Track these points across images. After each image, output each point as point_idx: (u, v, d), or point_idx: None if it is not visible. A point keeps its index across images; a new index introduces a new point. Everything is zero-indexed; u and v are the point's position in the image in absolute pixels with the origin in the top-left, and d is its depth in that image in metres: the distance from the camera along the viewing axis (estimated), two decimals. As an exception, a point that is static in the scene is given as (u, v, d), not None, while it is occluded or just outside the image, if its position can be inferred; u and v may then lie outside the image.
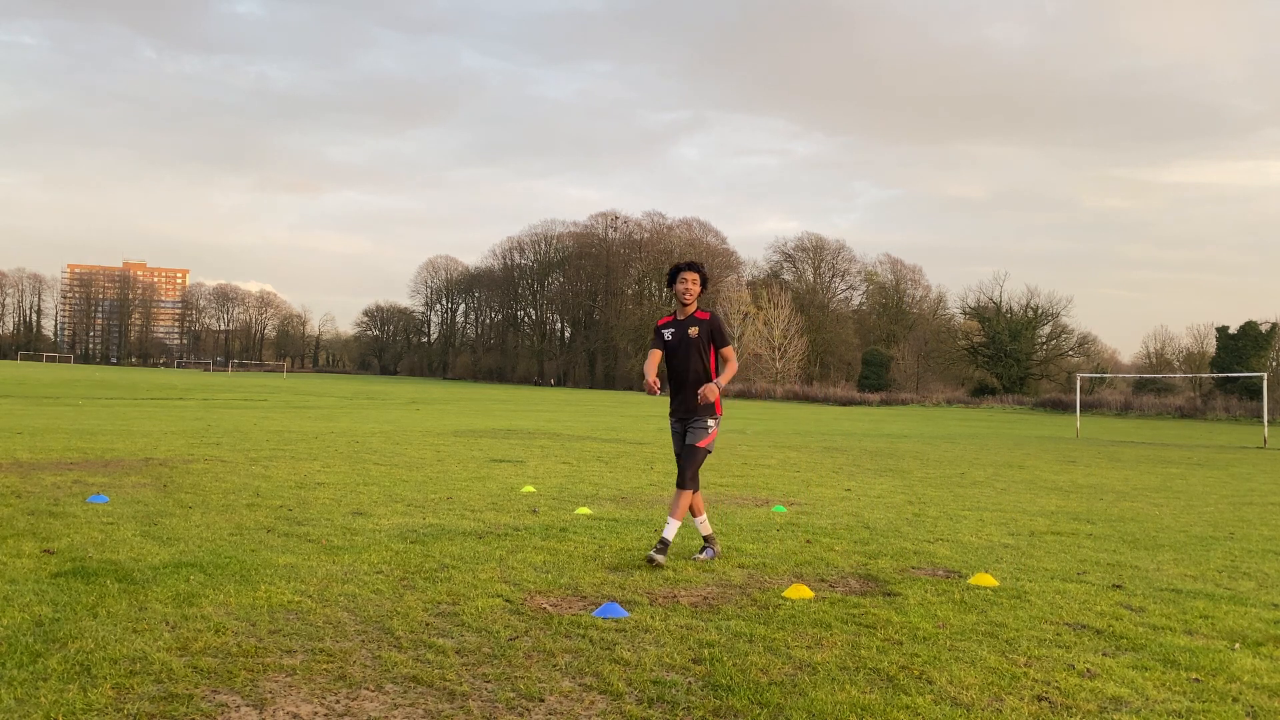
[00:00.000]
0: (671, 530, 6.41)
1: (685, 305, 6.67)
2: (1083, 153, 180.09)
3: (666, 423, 31.46)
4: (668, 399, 6.94)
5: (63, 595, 4.97)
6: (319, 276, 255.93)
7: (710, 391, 6.35)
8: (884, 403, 66.75)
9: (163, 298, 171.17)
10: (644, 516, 8.57)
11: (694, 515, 6.74)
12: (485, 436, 18.93)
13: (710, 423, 6.58)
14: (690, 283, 6.62)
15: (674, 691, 3.85)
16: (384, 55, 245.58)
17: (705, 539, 6.77)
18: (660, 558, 6.27)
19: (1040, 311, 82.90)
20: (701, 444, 6.55)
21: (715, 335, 6.66)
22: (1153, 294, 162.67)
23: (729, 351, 6.67)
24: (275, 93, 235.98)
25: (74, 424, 18.20)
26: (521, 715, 3.58)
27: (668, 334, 6.74)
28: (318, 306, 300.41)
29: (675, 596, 5.50)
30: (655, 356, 6.83)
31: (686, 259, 6.82)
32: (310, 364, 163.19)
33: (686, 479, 6.49)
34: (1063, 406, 59.07)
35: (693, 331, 6.63)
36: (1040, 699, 3.92)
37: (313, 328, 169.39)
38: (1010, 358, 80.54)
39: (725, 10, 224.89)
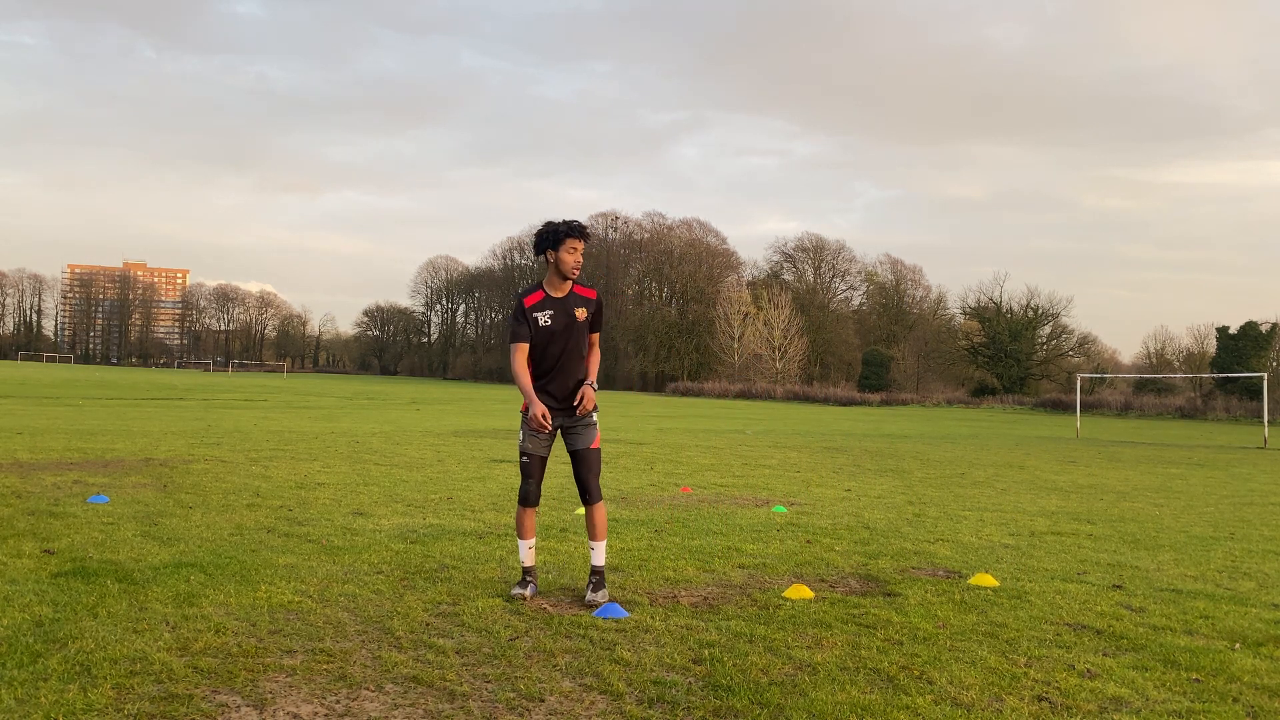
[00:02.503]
0: (600, 555, 5.42)
1: (566, 280, 5.39)
2: (1083, 153, 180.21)
3: (667, 422, 31.05)
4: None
5: (63, 595, 4.98)
6: (319, 276, 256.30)
7: (589, 399, 5.34)
8: (884, 403, 66.73)
9: (163, 298, 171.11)
10: (644, 516, 8.57)
11: (524, 537, 5.47)
12: (486, 436, 18.93)
13: (595, 417, 5.51)
14: (581, 254, 5.32)
15: (674, 692, 3.85)
16: (384, 55, 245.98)
17: (528, 571, 5.49)
18: (599, 595, 5.26)
19: (1040, 312, 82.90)
20: (597, 445, 5.48)
21: (597, 321, 5.51)
22: (1153, 294, 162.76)
23: (597, 338, 5.57)
24: (275, 93, 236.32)
25: (74, 424, 18.20)
26: (522, 715, 3.58)
27: (544, 317, 5.34)
28: (318, 307, 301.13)
29: (675, 597, 5.50)
30: (525, 360, 5.37)
31: (568, 220, 5.34)
32: (310, 364, 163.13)
33: (597, 490, 5.42)
34: (1063, 406, 59.07)
35: (580, 314, 5.40)
36: (1040, 699, 3.92)
37: (313, 328, 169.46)
38: (1010, 358, 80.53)
39: (725, 10, 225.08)
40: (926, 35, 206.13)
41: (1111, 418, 52.64)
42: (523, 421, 5.44)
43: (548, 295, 5.39)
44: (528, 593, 5.36)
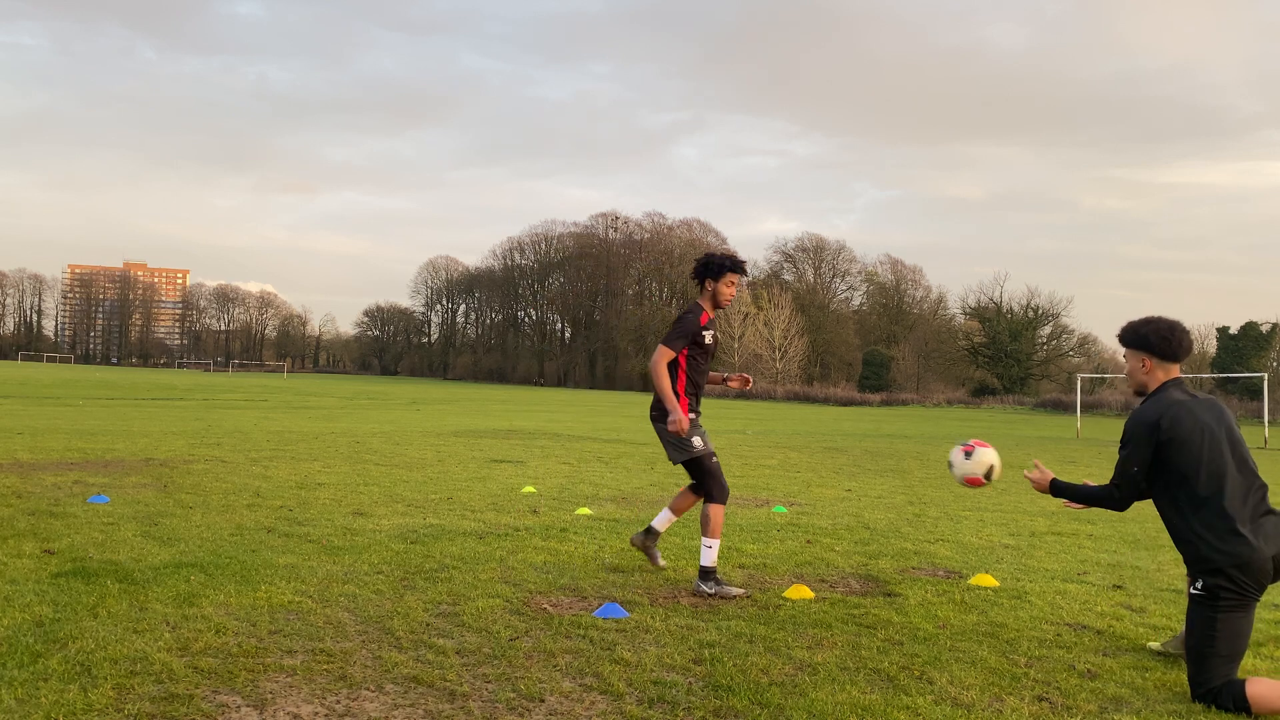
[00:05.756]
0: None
1: (717, 309, 5.87)
2: (1083, 153, 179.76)
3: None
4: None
5: (63, 595, 4.98)
6: (319, 277, 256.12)
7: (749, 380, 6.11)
8: (884, 403, 66.72)
9: (163, 298, 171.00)
10: (645, 517, 8.57)
11: (718, 537, 5.74)
12: (486, 437, 18.93)
13: None
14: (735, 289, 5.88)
15: (674, 692, 3.86)
16: (384, 55, 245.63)
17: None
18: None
19: (1040, 312, 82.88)
20: None
21: None
22: (1153, 294, 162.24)
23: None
24: (275, 93, 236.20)
25: (74, 424, 18.20)
26: (522, 715, 3.59)
27: (709, 337, 5.79)
28: (318, 307, 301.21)
29: (676, 597, 5.50)
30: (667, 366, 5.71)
31: (734, 255, 5.87)
32: (311, 364, 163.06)
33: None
34: (1063, 407, 59.04)
35: (717, 336, 5.96)
36: (1041, 699, 3.92)
37: (313, 328, 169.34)
38: (1011, 358, 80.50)
39: (725, 10, 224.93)
40: (926, 35, 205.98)
41: (1112, 418, 52.62)
42: (688, 427, 5.63)
43: (711, 319, 5.82)
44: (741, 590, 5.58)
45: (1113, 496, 4.24)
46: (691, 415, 5.73)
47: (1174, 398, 4.21)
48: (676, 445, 5.70)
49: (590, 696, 3.80)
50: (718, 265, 5.76)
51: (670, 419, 5.59)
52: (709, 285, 5.79)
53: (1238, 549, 3.91)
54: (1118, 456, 4.26)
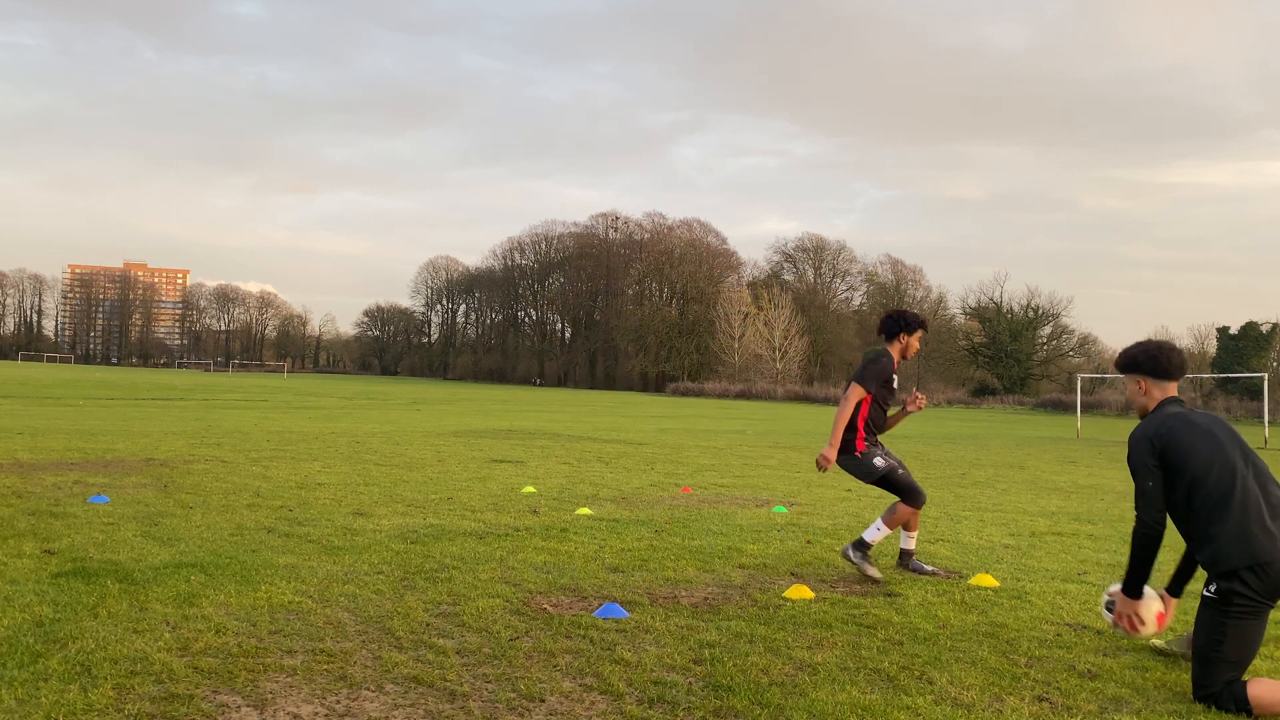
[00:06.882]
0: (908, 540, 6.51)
1: (902, 358, 6.41)
2: (1082, 153, 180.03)
3: (668, 422, 31.34)
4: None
5: (63, 595, 4.98)
6: (319, 277, 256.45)
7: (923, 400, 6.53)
8: (884, 403, 66.67)
9: (163, 298, 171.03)
10: (645, 517, 8.57)
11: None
12: (486, 437, 18.93)
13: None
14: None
15: (674, 692, 3.86)
16: (384, 55, 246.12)
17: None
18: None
19: (1041, 312, 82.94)
20: None
21: None
22: (1153, 294, 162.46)
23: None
24: (275, 93, 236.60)
25: (75, 424, 18.20)
26: (522, 715, 3.59)
27: (895, 380, 6.44)
28: (318, 307, 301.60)
29: (676, 597, 5.50)
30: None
31: (919, 315, 6.54)
32: (311, 364, 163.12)
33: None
34: (1063, 407, 59.07)
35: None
36: (1041, 699, 3.92)
37: (313, 328, 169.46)
38: (1011, 358, 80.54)
39: (725, 10, 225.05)
40: (926, 36, 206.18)
41: (1112, 418, 52.64)
42: (872, 452, 6.24)
43: (896, 366, 6.39)
44: (874, 571, 6.09)
45: (1143, 524, 4.08)
46: (868, 439, 6.29)
47: (1169, 411, 4.24)
48: (859, 472, 6.28)
49: (590, 696, 3.80)
50: (913, 322, 6.38)
51: (823, 454, 6.09)
52: (903, 338, 6.35)
53: (1255, 547, 3.85)
54: (1134, 485, 4.19)
